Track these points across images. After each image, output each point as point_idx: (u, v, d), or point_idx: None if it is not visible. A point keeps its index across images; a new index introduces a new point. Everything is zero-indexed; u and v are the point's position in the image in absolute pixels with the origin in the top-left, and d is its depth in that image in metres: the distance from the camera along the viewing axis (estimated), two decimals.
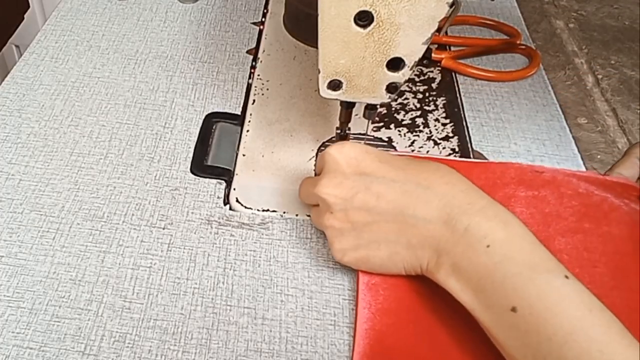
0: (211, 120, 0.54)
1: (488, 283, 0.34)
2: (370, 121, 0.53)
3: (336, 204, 0.39)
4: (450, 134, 0.54)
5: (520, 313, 0.32)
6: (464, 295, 0.35)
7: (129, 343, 0.39)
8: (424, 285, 0.40)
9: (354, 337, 0.39)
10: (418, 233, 0.37)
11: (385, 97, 0.42)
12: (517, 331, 0.32)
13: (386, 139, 0.53)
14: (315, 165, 0.49)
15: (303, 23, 0.62)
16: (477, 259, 0.34)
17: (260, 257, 0.44)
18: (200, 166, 0.50)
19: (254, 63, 0.61)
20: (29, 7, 1.04)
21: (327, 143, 0.52)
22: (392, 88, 0.42)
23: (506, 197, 0.45)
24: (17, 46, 1.09)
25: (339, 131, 0.48)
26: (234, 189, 0.48)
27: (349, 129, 0.48)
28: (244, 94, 0.57)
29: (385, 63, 0.40)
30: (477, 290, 0.34)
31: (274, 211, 0.47)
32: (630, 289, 0.35)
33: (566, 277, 0.32)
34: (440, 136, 0.53)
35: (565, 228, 0.38)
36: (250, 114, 0.54)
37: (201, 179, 0.49)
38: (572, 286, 0.32)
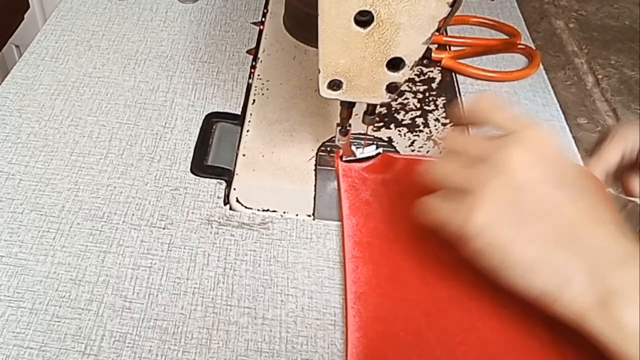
0: (211, 120, 0.54)
1: None
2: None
3: (531, 172, 0.35)
4: None
5: None
6: (607, 326, 0.33)
7: (129, 343, 0.39)
8: (410, 294, 0.41)
9: (345, 345, 0.39)
10: (586, 256, 0.34)
11: (385, 97, 0.42)
12: None
13: (386, 139, 0.53)
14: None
15: (303, 23, 0.62)
16: None
17: (260, 257, 0.44)
18: (200, 166, 0.50)
19: (254, 63, 0.61)
20: (29, 7, 1.04)
21: (327, 143, 0.52)
22: (392, 88, 0.42)
23: None
24: (17, 46, 1.09)
25: (339, 127, 0.48)
26: (234, 189, 0.48)
27: (350, 125, 0.48)
28: (244, 94, 0.57)
29: (385, 63, 0.40)
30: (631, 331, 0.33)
31: (274, 211, 0.47)
32: None
33: None
34: (440, 136, 0.53)
35: None
36: (250, 114, 0.55)
37: (201, 179, 0.49)
38: None
